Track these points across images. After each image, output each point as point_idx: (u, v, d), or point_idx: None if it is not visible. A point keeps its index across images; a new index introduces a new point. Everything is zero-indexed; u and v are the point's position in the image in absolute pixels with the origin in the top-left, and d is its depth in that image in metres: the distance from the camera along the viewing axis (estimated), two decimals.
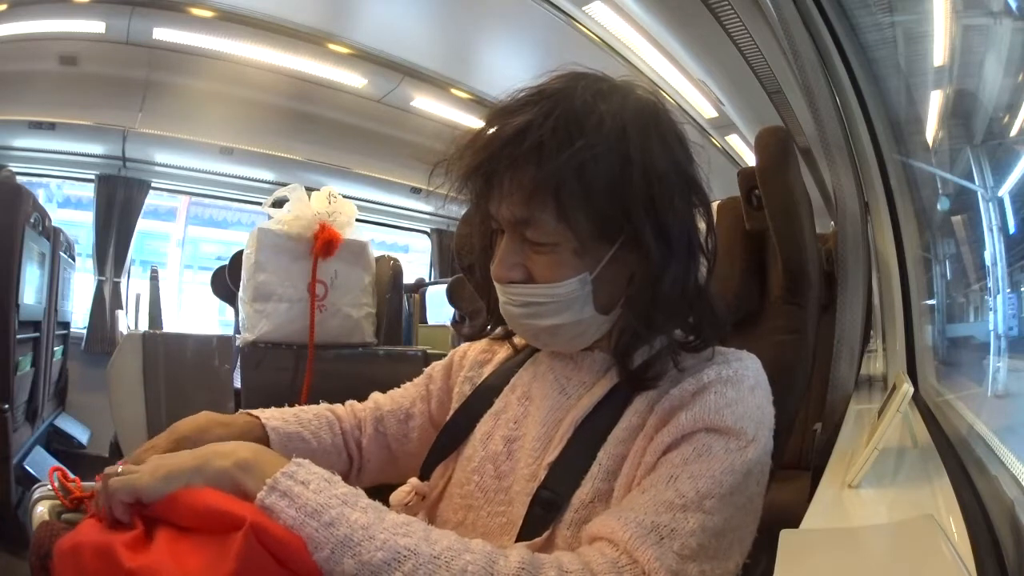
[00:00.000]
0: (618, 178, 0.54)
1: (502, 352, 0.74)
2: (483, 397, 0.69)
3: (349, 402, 0.79)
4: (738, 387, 0.55)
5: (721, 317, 0.60)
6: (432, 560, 0.44)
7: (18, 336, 1.80)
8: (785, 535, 0.39)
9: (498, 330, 0.71)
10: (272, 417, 0.69)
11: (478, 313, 0.70)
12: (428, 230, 4.69)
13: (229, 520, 0.43)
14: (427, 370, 0.79)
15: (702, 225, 0.59)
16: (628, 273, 0.58)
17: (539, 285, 0.57)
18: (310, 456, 0.63)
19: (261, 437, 0.67)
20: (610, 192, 0.54)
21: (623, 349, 0.58)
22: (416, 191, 4.16)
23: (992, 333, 0.97)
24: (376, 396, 0.79)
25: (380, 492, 0.51)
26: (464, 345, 0.78)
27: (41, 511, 0.56)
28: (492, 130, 0.56)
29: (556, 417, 0.61)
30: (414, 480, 0.69)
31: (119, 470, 0.50)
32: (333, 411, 0.76)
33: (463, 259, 0.94)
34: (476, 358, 0.75)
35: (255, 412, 0.69)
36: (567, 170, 0.52)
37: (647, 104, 0.58)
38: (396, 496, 0.67)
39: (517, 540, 0.55)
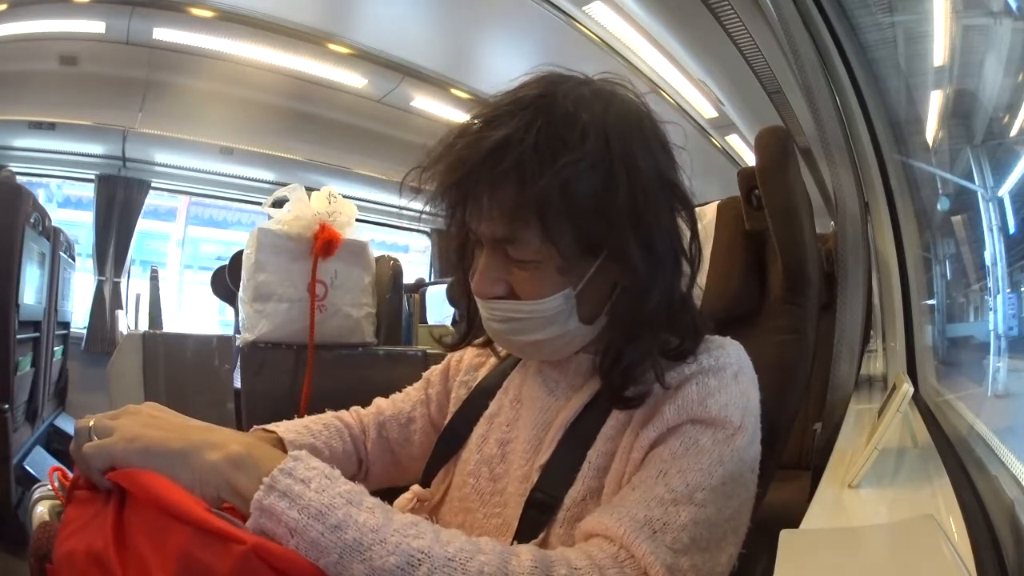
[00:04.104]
0: (602, 193, 0.52)
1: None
2: (478, 401, 0.69)
3: (354, 408, 0.79)
4: (720, 376, 0.55)
5: (702, 325, 0.59)
6: (447, 563, 0.42)
7: (18, 336, 1.80)
8: (785, 535, 0.39)
9: (479, 339, 0.70)
10: (287, 430, 0.69)
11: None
12: (428, 230, 4.69)
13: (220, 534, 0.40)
14: (425, 375, 0.79)
15: (686, 231, 0.58)
16: (612, 282, 0.57)
17: (522, 301, 0.56)
18: None
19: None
20: (594, 208, 0.52)
21: (608, 368, 0.56)
22: (416, 191, 4.15)
23: (992, 333, 0.97)
24: (379, 401, 0.79)
25: (384, 497, 0.50)
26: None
27: (41, 511, 0.56)
28: (467, 142, 0.53)
29: (546, 419, 0.61)
30: (416, 487, 0.69)
31: (91, 423, 0.48)
32: (340, 418, 0.76)
33: None
34: (471, 362, 0.75)
35: (269, 427, 0.68)
36: (551, 189, 0.50)
37: (630, 108, 0.56)
38: (399, 504, 0.67)
39: (513, 541, 0.55)
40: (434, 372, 0.78)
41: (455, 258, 0.64)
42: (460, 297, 0.66)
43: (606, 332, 0.58)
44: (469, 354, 0.76)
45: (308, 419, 0.73)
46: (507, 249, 0.55)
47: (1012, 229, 0.91)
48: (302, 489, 0.43)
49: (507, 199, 0.52)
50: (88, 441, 0.47)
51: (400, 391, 0.81)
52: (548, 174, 0.50)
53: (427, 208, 0.59)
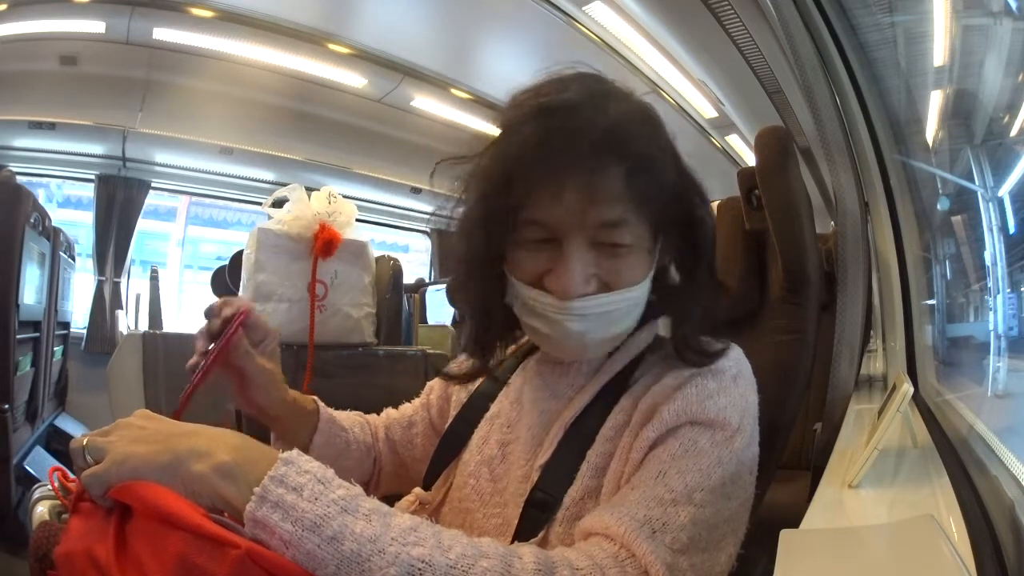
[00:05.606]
0: (673, 176, 0.55)
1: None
2: (479, 403, 0.70)
3: (369, 416, 0.82)
4: (719, 378, 0.55)
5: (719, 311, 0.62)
6: (448, 572, 0.42)
7: (18, 336, 1.80)
8: (785, 535, 0.39)
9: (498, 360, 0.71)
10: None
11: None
12: (428, 230, 4.69)
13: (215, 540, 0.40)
14: (429, 383, 0.81)
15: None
16: (663, 264, 0.60)
17: (614, 292, 0.55)
18: (344, 448, 0.67)
19: (313, 411, 0.72)
20: (670, 189, 0.55)
21: (680, 342, 0.58)
22: (416, 191, 4.16)
23: (992, 333, 0.97)
24: (387, 410, 0.82)
25: (388, 502, 0.49)
26: (460, 357, 0.78)
27: (41, 511, 0.56)
28: (572, 128, 0.51)
29: (546, 420, 0.61)
30: (418, 490, 0.70)
31: (84, 443, 0.46)
32: (359, 414, 0.79)
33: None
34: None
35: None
36: (650, 172, 0.53)
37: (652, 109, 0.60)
38: (400, 507, 0.68)
39: (513, 541, 0.55)
40: (436, 380, 0.80)
41: (485, 265, 0.59)
42: (489, 307, 0.62)
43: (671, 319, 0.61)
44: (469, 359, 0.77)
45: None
46: (606, 236, 0.54)
47: (1012, 229, 0.90)
48: (295, 499, 0.41)
49: (618, 182, 0.53)
50: (83, 461, 0.46)
51: (400, 391, 0.83)
52: (652, 158, 0.53)
53: (448, 206, 0.61)
